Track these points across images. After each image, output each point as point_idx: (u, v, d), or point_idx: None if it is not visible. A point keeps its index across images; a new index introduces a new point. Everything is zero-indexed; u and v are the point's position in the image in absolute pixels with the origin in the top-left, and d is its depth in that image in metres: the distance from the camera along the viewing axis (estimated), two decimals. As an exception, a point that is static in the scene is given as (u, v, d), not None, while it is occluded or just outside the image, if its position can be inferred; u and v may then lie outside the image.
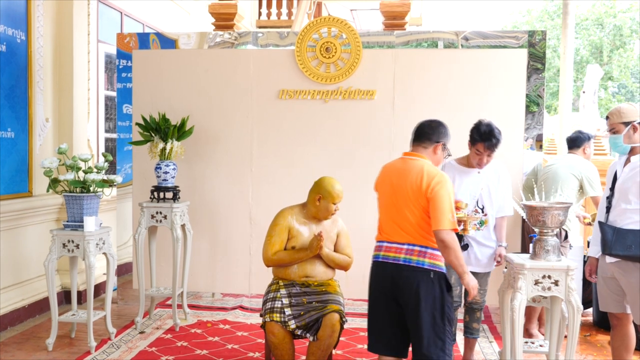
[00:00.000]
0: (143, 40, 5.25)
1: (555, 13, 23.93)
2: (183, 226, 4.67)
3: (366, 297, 5.01)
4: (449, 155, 3.08)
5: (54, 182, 4.10)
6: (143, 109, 4.97)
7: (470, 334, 3.76)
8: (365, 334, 4.45)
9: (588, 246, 4.64)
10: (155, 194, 4.61)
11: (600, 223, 3.26)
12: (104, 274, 4.62)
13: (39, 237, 4.88)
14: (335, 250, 3.57)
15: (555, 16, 23.68)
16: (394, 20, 5.95)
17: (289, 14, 11.37)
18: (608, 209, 3.27)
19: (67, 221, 4.11)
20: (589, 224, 4.61)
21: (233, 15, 5.99)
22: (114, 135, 5.95)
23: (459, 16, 32.76)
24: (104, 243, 4.18)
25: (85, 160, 4.15)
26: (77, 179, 4.06)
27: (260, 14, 11.46)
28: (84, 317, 4.19)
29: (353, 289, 4.79)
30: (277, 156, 5.05)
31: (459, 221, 3.33)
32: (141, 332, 4.48)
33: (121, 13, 6.50)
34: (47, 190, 4.38)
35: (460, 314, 3.82)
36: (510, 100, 4.76)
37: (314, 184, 3.55)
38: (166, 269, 4.97)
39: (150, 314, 4.84)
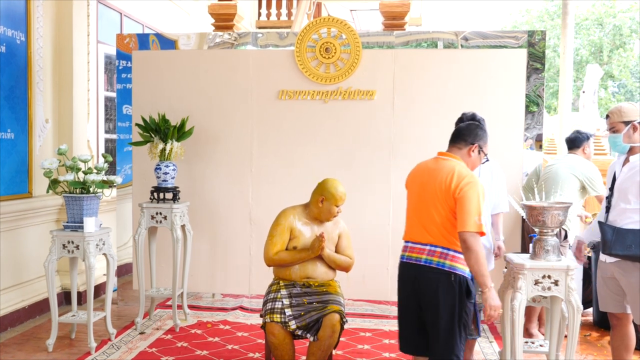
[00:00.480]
0: (143, 41, 5.25)
1: (555, 13, 23.93)
2: (183, 227, 4.67)
3: (366, 297, 5.07)
4: (487, 161, 3.02)
5: (54, 183, 4.10)
6: (143, 110, 4.98)
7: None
8: (366, 334, 4.48)
9: (588, 246, 4.65)
10: (155, 194, 4.61)
11: (600, 223, 3.26)
12: (104, 274, 4.62)
13: (39, 238, 4.88)
14: (336, 251, 3.57)
15: (555, 16, 23.68)
16: (394, 20, 5.94)
17: (289, 14, 11.37)
18: (608, 208, 3.27)
19: (67, 222, 4.11)
20: (591, 222, 4.60)
21: (233, 15, 5.98)
22: (114, 136, 5.95)
23: (458, 16, 32.77)
24: (104, 244, 4.18)
25: (85, 161, 4.15)
26: (77, 179, 4.06)
27: (259, 14, 11.46)
28: (84, 317, 4.19)
29: (353, 289, 4.80)
30: (277, 156, 5.05)
31: None
32: (141, 333, 4.48)
33: (121, 14, 6.50)
34: (47, 191, 4.38)
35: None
36: (510, 100, 4.76)
37: (318, 185, 3.55)
38: (166, 270, 4.97)
39: (150, 314, 4.84)
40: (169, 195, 4.63)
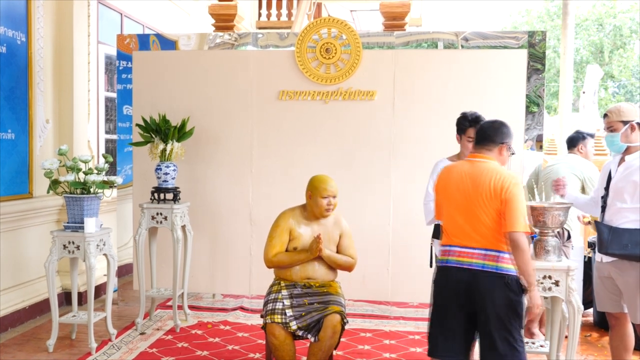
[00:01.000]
0: (143, 41, 5.25)
1: (555, 14, 23.94)
2: (183, 227, 4.67)
3: (366, 298, 5.07)
4: (513, 154, 3.03)
5: (55, 184, 4.10)
6: (143, 110, 4.98)
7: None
8: (366, 334, 4.47)
9: (588, 246, 4.65)
10: (156, 195, 4.61)
11: (596, 222, 3.27)
12: (105, 275, 4.62)
13: (39, 239, 4.88)
14: (338, 251, 3.56)
15: (555, 17, 23.69)
16: (394, 21, 5.93)
17: (289, 14, 11.37)
18: (603, 208, 3.27)
19: (68, 222, 4.11)
20: (589, 223, 4.61)
21: (233, 16, 5.98)
22: (114, 137, 5.96)
23: (458, 17, 32.77)
24: (104, 244, 4.18)
25: (85, 162, 4.15)
26: (77, 180, 4.06)
27: (260, 15, 11.47)
28: (84, 318, 4.19)
29: (354, 289, 4.80)
30: (277, 157, 5.05)
31: None
32: (142, 333, 4.48)
33: (121, 14, 6.50)
34: (48, 192, 4.38)
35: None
36: (510, 101, 4.76)
37: (307, 183, 3.56)
38: (166, 270, 4.97)
39: (150, 315, 4.84)
40: (170, 196, 4.63)
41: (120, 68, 5.31)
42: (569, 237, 4.23)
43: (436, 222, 3.65)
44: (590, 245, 4.19)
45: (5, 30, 4.53)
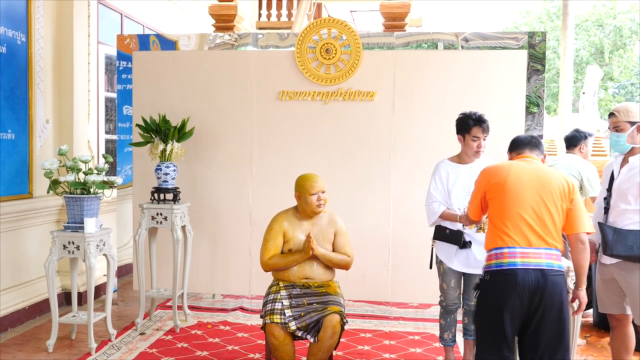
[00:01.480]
0: (143, 41, 5.25)
1: (555, 14, 23.95)
2: (183, 227, 4.67)
3: (366, 298, 5.07)
4: None
5: (55, 184, 4.10)
6: (143, 111, 4.98)
7: (470, 336, 3.76)
8: (366, 335, 4.47)
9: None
10: (156, 195, 4.61)
11: (600, 224, 3.25)
12: (105, 275, 4.62)
13: (39, 239, 4.88)
14: (334, 250, 3.56)
15: (555, 17, 23.71)
16: (394, 21, 5.94)
17: (289, 15, 11.39)
18: (606, 209, 3.26)
19: (68, 222, 4.11)
20: None
21: (233, 16, 5.99)
22: (114, 137, 5.96)
23: (458, 17, 32.79)
24: (104, 244, 4.18)
25: (85, 162, 4.15)
26: (77, 180, 4.06)
27: (260, 15, 11.48)
28: (84, 318, 4.19)
29: (353, 290, 4.80)
30: (277, 157, 5.05)
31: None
32: (141, 334, 4.48)
33: (121, 14, 6.50)
34: (48, 192, 4.38)
35: (459, 315, 3.82)
36: (510, 102, 4.77)
37: (294, 185, 3.57)
38: (166, 270, 4.97)
39: (150, 315, 4.84)
40: (170, 196, 4.63)
41: (120, 68, 5.31)
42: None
43: (438, 224, 3.66)
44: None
45: (5, 30, 4.54)
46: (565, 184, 2.81)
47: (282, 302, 3.38)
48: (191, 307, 5.05)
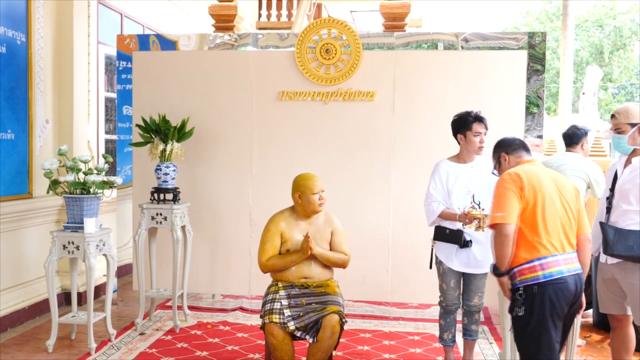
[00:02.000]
0: (143, 41, 5.25)
1: (554, 15, 23.95)
2: (183, 227, 4.67)
3: (366, 298, 5.07)
4: None
5: (54, 184, 4.10)
6: (143, 111, 4.98)
7: (470, 336, 3.77)
8: (366, 335, 4.47)
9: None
10: (156, 195, 4.61)
11: (601, 224, 3.25)
12: (104, 275, 4.62)
13: (39, 239, 4.88)
14: (331, 249, 3.56)
15: (555, 18, 23.71)
16: (394, 21, 5.94)
17: (289, 15, 11.38)
18: (608, 209, 3.26)
19: (67, 223, 4.11)
20: None
21: (233, 16, 5.98)
22: (114, 137, 5.96)
23: (458, 17, 32.79)
24: (104, 244, 4.18)
25: (85, 162, 4.15)
26: (77, 180, 4.06)
27: (260, 15, 11.48)
28: (84, 318, 4.19)
29: (353, 290, 4.80)
30: (277, 157, 5.05)
31: (474, 218, 3.38)
32: (141, 334, 4.47)
33: (121, 14, 6.50)
34: (47, 192, 4.38)
35: (459, 315, 3.82)
36: (510, 102, 4.77)
37: (292, 185, 3.57)
38: (166, 271, 4.97)
39: (150, 315, 4.84)
40: (169, 196, 4.63)
41: (120, 68, 5.31)
42: None
43: (437, 224, 3.66)
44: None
45: (5, 30, 4.53)
46: (574, 187, 2.87)
47: (281, 302, 3.38)
48: (191, 307, 5.05)
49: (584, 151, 4.54)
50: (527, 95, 4.77)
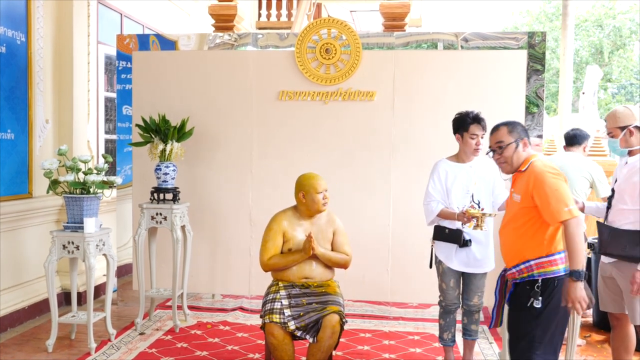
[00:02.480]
0: (143, 41, 5.25)
1: (553, 15, 23.96)
2: (183, 227, 4.67)
3: (366, 298, 5.07)
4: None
5: (54, 184, 4.10)
6: (143, 110, 4.98)
7: (469, 336, 3.77)
8: (366, 335, 4.48)
9: (588, 247, 4.66)
10: (155, 195, 4.61)
11: (598, 223, 3.28)
12: (104, 275, 4.62)
13: (39, 239, 4.88)
14: (332, 249, 3.56)
15: (554, 18, 23.71)
16: (394, 21, 5.94)
17: (289, 15, 11.38)
18: (608, 209, 3.28)
19: (67, 222, 4.11)
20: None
21: (233, 16, 5.98)
22: (114, 137, 5.96)
23: (458, 17, 32.80)
24: (104, 244, 4.18)
25: (85, 162, 4.15)
26: (77, 180, 4.06)
27: (260, 15, 11.48)
28: (84, 318, 4.19)
29: (353, 290, 4.80)
30: (277, 157, 5.05)
31: (473, 217, 3.38)
32: (141, 334, 4.47)
33: (121, 14, 6.50)
34: (47, 192, 4.38)
35: (458, 315, 3.82)
36: (510, 102, 4.76)
37: (295, 185, 3.57)
38: (166, 270, 4.97)
39: (150, 315, 4.84)
40: (169, 196, 4.63)
41: (120, 68, 5.31)
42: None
43: (437, 224, 3.66)
44: (590, 246, 4.19)
45: (5, 30, 4.53)
46: None
47: (281, 302, 3.39)
48: (191, 307, 5.05)
49: (585, 153, 4.54)
50: (526, 95, 4.77)
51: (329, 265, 3.54)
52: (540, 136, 4.82)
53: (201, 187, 5.15)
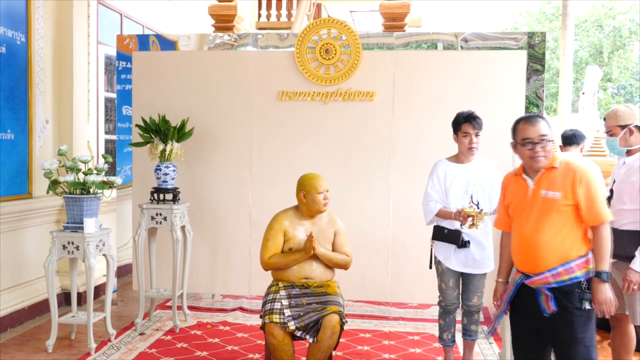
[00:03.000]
0: (143, 41, 5.25)
1: (553, 15, 23.96)
2: (183, 227, 4.67)
3: (366, 298, 5.07)
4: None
5: (54, 184, 4.10)
6: (143, 111, 4.98)
7: (469, 336, 3.76)
8: (366, 335, 4.48)
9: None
10: (155, 195, 4.61)
11: None
12: (104, 275, 4.62)
13: (38, 239, 4.88)
14: (333, 249, 3.57)
15: (554, 18, 23.71)
16: (394, 21, 5.93)
17: (289, 15, 11.38)
18: None
19: (67, 223, 4.11)
20: None
21: (233, 16, 5.98)
22: (114, 137, 5.96)
23: (458, 17, 32.80)
24: (103, 244, 4.18)
25: (85, 162, 4.15)
26: (77, 180, 4.06)
27: (259, 15, 11.47)
28: (83, 318, 4.19)
29: (353, 290, 4.80)
30: (277, 157, 5.05)
31: (469, 216, 3.37)
32: (141, 334, 4.48)
33: (121, 15, 6.50)
34: (47, 192, 4.38)
35: (458, 315, 3.82)
36: (510, 102, 4.77)
37: (296, 185, 3.57)
38: (166, 271, 4.98)
39: (150, 315, 4.84)
40: (169, 196, 4.63)
41: (120, 68, 5.31)
42: None
43: (436, 224, 3.66)
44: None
45: (5, 30, 4.53)
46: None
47: (281, 302, 3.39)
48: (191, 308, 5.05)
49: (581, 153, 4.55)
50: (526, 95, 4.77)
51: (330, 265, 3.54)
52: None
53: (201, 187, 5.15)
